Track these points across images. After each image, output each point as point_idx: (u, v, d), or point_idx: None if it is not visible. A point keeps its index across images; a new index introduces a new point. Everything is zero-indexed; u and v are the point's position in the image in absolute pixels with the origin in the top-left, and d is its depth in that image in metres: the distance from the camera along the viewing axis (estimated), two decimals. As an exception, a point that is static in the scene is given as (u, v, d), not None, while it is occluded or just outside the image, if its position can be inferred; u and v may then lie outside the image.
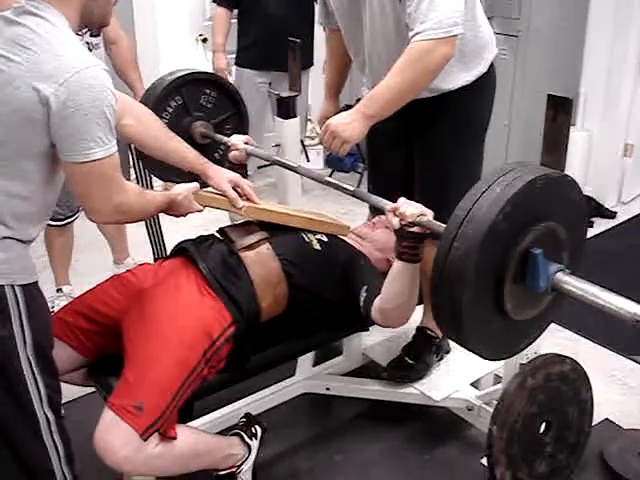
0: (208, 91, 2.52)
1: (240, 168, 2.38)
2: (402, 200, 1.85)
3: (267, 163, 4.47)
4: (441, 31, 1.97)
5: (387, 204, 1.89)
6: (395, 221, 1.83)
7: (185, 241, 2.17)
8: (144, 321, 1.92)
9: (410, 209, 1.81)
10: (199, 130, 2.51)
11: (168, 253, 2.27)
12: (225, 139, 2.46)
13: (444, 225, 1.70)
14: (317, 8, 2.52)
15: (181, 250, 2.14)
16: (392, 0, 2.08)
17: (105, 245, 3.51)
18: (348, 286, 2.12)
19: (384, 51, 2.20)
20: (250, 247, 2.09)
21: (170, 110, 2.49)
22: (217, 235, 2.19)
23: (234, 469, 2.10)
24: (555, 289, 1.52)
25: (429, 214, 1.82)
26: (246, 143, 2.36)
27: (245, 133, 2.47)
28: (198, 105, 2.51)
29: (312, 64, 4.17)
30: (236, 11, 4.10)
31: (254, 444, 2.16)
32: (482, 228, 1.41)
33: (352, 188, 2.09)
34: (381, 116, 2.09)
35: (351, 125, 2.08)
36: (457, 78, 2.22)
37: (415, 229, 1.82)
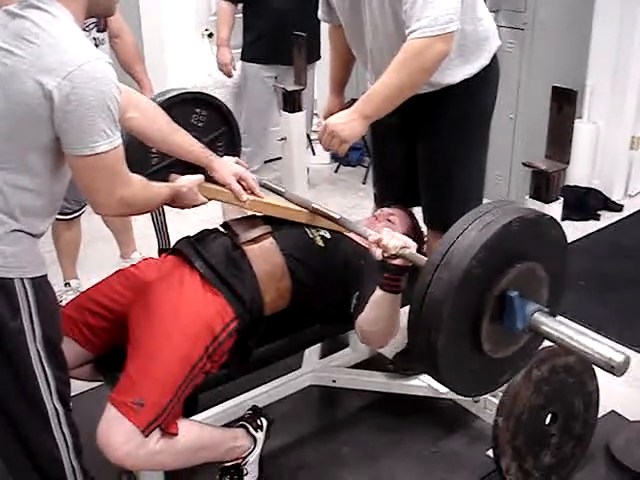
0: (199, 110, 2.49)
1: None
2: (386, 231, 1.84)
3: (273, 157, 4.51)
4: (437, 28, 1.96)
5: (370, 234, 1.88)
6: (378, 252, 1.82)
7: (182, 239, 2.16)
8: (147, 316, 1.92)
9: (393, 241, 1.80)
10: None
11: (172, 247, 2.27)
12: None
13: (425, 258, 1.70)
14: (319, 4, 2.51)
15: (178, 249, 2.12)
16: None
17: (112, 240, 3.52)
18: (345, 285, 2.11)
19: (386, 46, 2.20)
20: (254, 241, 2.09)
21: None
22: (221, 229, 2.20)
23: (239, 461, 2.11)
24: (532, 330, 1.51)
25: (412, 246, 1.81)
26: (237, 163, 2.29)
27: (238, 151, 2.44)
28: (189, 124, 2.44)
29: (319, 58, 4.16)
30: (241, 6, 4.11)
31: (260, 436, 2.17)
32: (456, 275, 1.41)
33: (337, 217, 2.11)
34: (379, 115, 2.09)
35: (349, 124, 2.08)
36: (459, 72, 2.22)
37: (397, 262, 1.81)
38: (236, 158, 2.31)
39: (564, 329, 1.46)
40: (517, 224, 1.46)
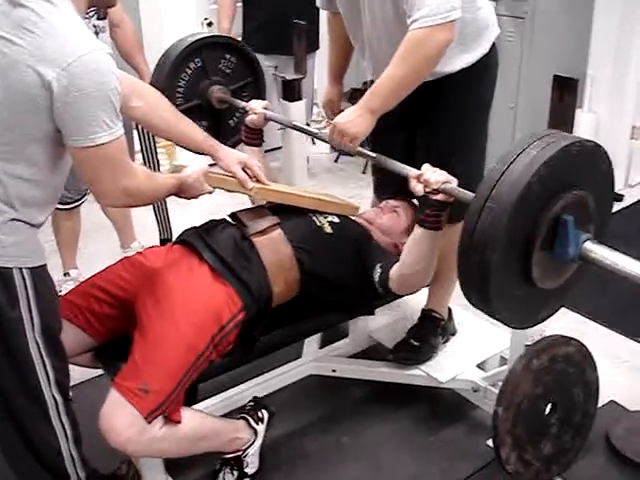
0: (228, 56, 2.51)
1: (257, 133, 2.41)
2: (426, 166, 1.86)
3: (273, 147, 4.50)
4: (438, 17, 1.95)
5: (411, 170, 1.90)
6: (419, 188, 1.84)
7: (189, 230, 2.16)
8: (154, 303, 1.92)
9: (435, 176, 1.82)
10: (217, 95, 2.50)
11: (174, 237, 2.27)
12: (243, 104, 2.46)
13: (469, 192, 1.70)
14: None
15: (186, 240, 2.13)
16: None
17: (112, 229, 3.52)
18: (360, 266, 2.14)
19: (384, 35, 2.19)
20: (262, 232, 2.10)
21: (189, 72, 2.48)
22: (229, 219, 2.19)
23: (240, 453, 2.11)
24: (582, 258, 1.52)
25: (454, 181, 1.82)
26: (265, 108, 2.37)
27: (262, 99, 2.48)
28: (217, 69, 2.51)
29: (318, 47, 4.15)
30: None
31: (260, 428, 2.17)
32: (516, 189, 1.41)
33: (374, 155, 2.11)
34: (386, 108, 2.08)
35: (357, 121, 2.08)
36: (458, 60, 2.20)
37: (439, 197, 1.83)
38: (265, 102, 2.39)
39: (616, 256, 1.48)
40: (577, 148, 1.47)
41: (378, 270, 2.10)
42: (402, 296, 2.61)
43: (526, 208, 1.44)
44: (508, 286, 1.52)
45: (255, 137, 2.43)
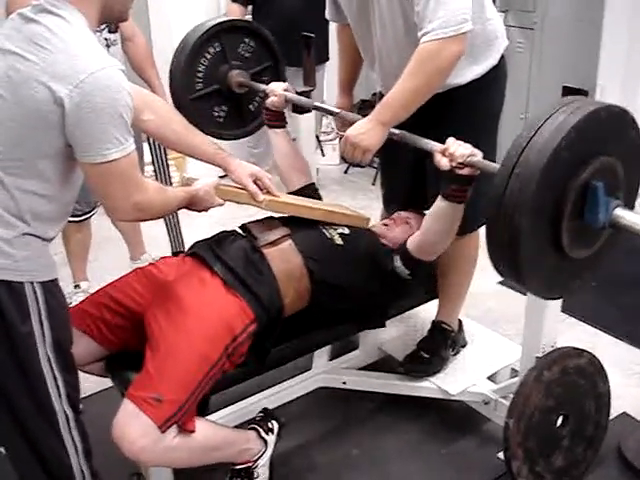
0: (247, 40, 2.52)
1: (278, 115, 2.42)
2: (451, 140, 1.88)
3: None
4: (450, 29, 1.95)
5: (435, 145, 1.92)
6: (444, 162, 1.85)
7: (200, 242, 2.17)
8: (167, 314, 1.93)
9: (460, 149, 1.84)
10: (236, 79, 2.51)
11: (186, 248, 2.27)
12: (263, 86, 2.47)
13: (495, 164, 1.70)
14: (327, 4, 2.51)
15: (197, 253, 2.13)
16: None
17: (122, 241, 3.53)
18: (377, 270, 2.17)
19: (393, 48, 2.20)
20: (273, 243, 2.11)
21: (208, 57, 2.50)
22: (239, 231, 2.20)
23: (250, 464, 2.10)
24: (613, 225, 1.51)
25: (479, 154, 1.84)
26: (285, 90, 2.38)
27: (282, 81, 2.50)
28: (236, 54, 2.52)
29: (328, 59, 4.15)
30: (250, 7, 4.10)
31: (271, 439, 2.16)
32: (544, 155, 1.40)
33: (398, 132, 2.11)
34: (397, 120, 2.09)
35: (369, 133, 2.08)
36: (467, 72, 2.20)
37: (465, 171, 1.84)
38: (286, 84, 2.42)
39: None
40: (605, 113, 1.47)
41: (397, 257, 2.16)
42: (414, 307, 2.62)
43: (554, 174, 1.43)
44: (538, 254, 1.51)
45: (277, 119, 2.44)
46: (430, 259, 2.18)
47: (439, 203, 1.99)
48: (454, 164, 1.83)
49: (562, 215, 1.47)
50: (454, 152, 1.83)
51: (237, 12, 4.03)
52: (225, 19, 2.52)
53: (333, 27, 2.65)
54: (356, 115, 2.22)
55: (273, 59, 2.62)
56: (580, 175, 1.47)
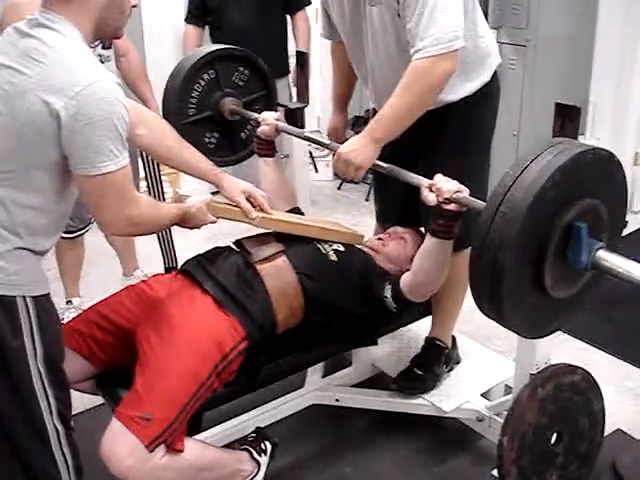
0: (241, 69, 2.54)
1: (269, 144, 2.42)
2: (439, 176, 1.87)
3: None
4: (441, 47, 1.96)
5: (423, 180, 1.91)
6: (431, 197, 1.85)
7: (191, 260, 2.16)
8: (157, 332, 1.92)
9: (447, 185, 1.83)
10: (229, 107, 2.51)
11: (179, 265, 2.27)
12: (255, 115, 2.47)
13: (481, 202, 1.70)
14: (320, 21, 2.52)
15: (187, 271, 2.13)
16: (392, 15, 2.08)
17: (115, 257, 3.52)
18: (367, 292, 2.14)
19: (386, 65, 2.21)
20: (267, 259, 2.10)
21: (202, 83, 2.50)
22: (233, 247, 2.20)
23: (243, 485, 2.09)
24: (595, 266, 1.51)
25: (465, 191, 1.83)
26: (277, 120, 2.38)
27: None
28: (230, 82, 2.53)
29: (288, 72, 4.11)
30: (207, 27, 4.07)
31: (263, 460, 2.14)
32: (530, 194, 1.41)
33: (386, 166, 2.11)
34: (389, 138, 2.09)
35: (361, 150, 2.09)
36: (460, 89, 2.21)
37: (451, 207, 1.83)
38: (277, 113, 2.42)
39: (630, 264, 1.48)
40: (591, 155, 1.48)
41: (388, 287, 2.12)
42: (407, 324, 2.62)
43: (540, 214, 1.43)
44: (520, 292, 1.51)
45: (267, 148, 2.44)
46: (421, 300, 2.14)
47: (427, 241, 1.98)
48: (441, 199, 1.83)
49: (545, 254, 1.48)
50: (441, 187, 1.83)
51: (193, 34, 3.97)
52: (220, 47, 2.53)
53: (327, 45, 2.65)
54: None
55: (266, 88, 2.63)
56: (565, 215, 1.48)
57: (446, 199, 1.82)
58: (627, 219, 4.40)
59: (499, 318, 1.57)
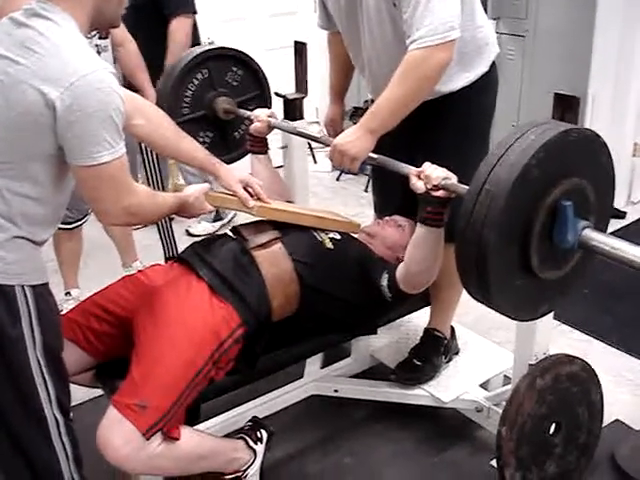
0: (235, 69, 2.54)
1: (261, 141, 2.42)
2: (427, 164, 1.87)
3: (275, 166, 4.50)
4: (437, 37, 1.96)
5: (411, 168, 1.91)
6: (420, 184, 1.85)
7: (188, 248, 2.17)
8: (153, 320, 1.92)
9: (435, 172, 1.83)
10: (222, 106, 2.52)
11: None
12: (248, 113, 2.48)
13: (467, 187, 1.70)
14: (317, 12, 2.52)
15: (184, 259, 2.13)
16: (388, 4, 2.07)
17: (114, 249, 3.52)
18: (364, 281, 2.14)
19: (383, 54, 2.20)
20: (263, 246, 2.10)
21: (196, 82, 2.50)
22: (230, 233, 2.20)
23: (239, 473, 2.09)
24: (582, 245, 1.50)
25: (453, 178, 1.83)
26: (270, 117, 2.38)
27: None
28: (224, 81, 2.54)
29: None
30: None
31: (259, 449, 2.15)
32: (514, 171, 1.40)
33: (376, 156, 2.11)
34: (385, 128, 2.09)
35: (357, 142, 2.08)
36: (458, 79, 2.21)
37: (439, 193, 1.83)
38: (270, 110, 2.43)
39: (616, 242, 1.47)
40: (575, 135, 1.48)
41: (385, 276, 2.11)
42: (405, 315, 2.62)
43: (524, 192, 1.43)
44: (507, 273, 1.50)
45: (260, 145, 2.44)
46: (414, 292, 2.13)
47: (418, 229, 1.97)
48: (429, 186, 1.83)
49: (531, 234, 1.47)
50: (429, 175, 1.83)
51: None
52: (214, 47, 2.53)
53: (323, 35, 2.65)
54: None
55: (260, 88, 2.63)
56: (550, 194, 1.47)
57: (434, 186, 1.82)
58: (626, 210, 4.43)
59: (486, 299, 1.56)
